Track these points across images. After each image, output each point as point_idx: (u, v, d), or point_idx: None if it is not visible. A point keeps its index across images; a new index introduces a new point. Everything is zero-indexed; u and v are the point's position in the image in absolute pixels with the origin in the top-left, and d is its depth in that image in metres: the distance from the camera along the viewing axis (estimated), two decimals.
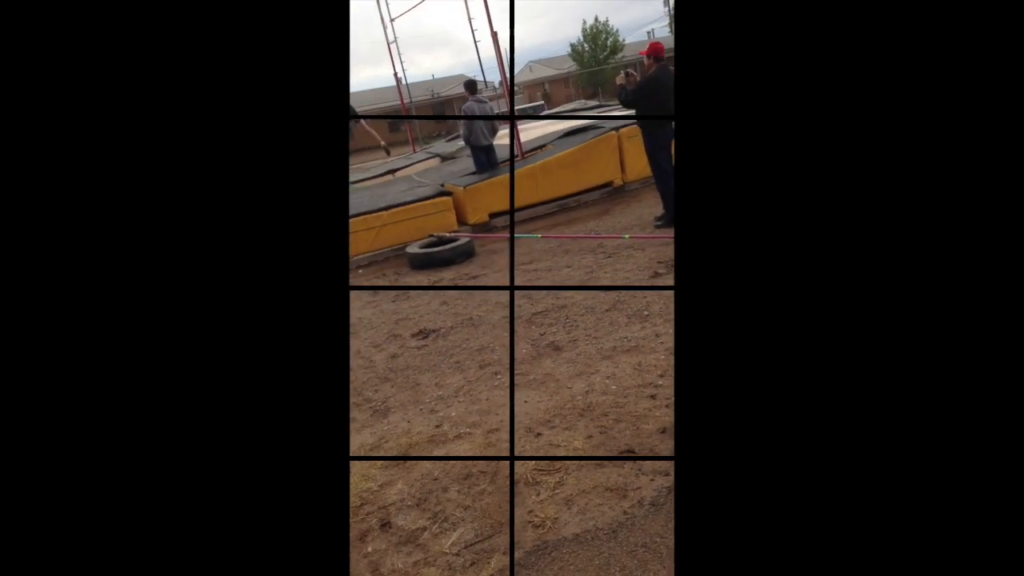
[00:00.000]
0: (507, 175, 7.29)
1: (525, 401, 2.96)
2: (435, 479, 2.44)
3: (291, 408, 1.00)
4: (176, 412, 0.99)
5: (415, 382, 3.42)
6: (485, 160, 7.66)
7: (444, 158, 9.91)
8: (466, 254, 6.06)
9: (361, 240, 6.51)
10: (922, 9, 0.96)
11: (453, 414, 2.96)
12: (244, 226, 0.99)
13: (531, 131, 9.05)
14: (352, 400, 3.34)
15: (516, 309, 4.29)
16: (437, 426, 2.87)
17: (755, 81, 0.99)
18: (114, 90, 0.97)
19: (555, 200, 7.28)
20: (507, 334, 3.89)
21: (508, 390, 3.05)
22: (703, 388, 1.03)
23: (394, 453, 2.70)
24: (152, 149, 0.98)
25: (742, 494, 1.03)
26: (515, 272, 5.30)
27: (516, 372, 3.30)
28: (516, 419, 2.79)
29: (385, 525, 2.23)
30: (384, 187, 8.71)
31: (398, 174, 9.69)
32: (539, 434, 2.65)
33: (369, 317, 4.76)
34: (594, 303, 4.13)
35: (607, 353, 3.33)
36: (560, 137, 8.03)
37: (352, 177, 10.18)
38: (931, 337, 0.99)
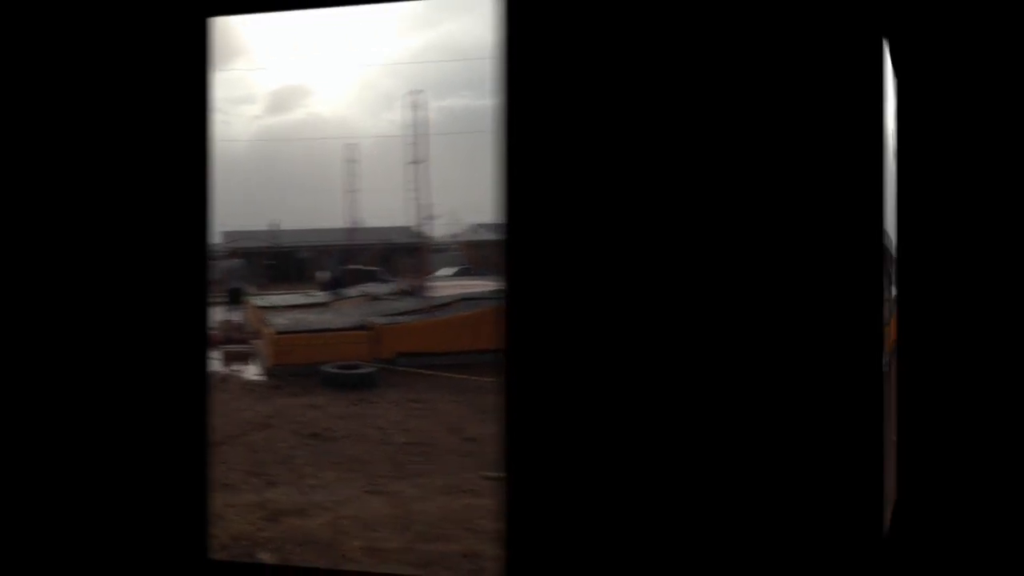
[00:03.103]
0: (418, 322, 8.62)
1: (374, 505, 4.07)
2: (295, 537, 3.51)
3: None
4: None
5: (300, 470, 4.53)
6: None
7: (374, 297, 11.26)
8: (369, 383, 7.17)
9: (299, 353, 7.74)
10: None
11: (318, 498, 4.07)
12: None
13: (447, 288, 10.58)
14: (254, 471, 4.41)
15: (394, 436, 5.45)
16: (304, 503, 3.97)
17: (583, 81, 0.98)
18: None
19: (455, 353, 8.54)
20: (381, 450, 5.05)
21: (365, 491, 4.18)
22: (530, 401, 1.02)
23: (269, 514, 3.77)
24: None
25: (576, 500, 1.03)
26: (401, 401, 6.48)
27: (373, 483, 4.40)
28: (359, 515, 3.88)
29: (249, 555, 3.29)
30: (319, 314, 9.95)
31: (332, 304, 10.96)
32: (375, 529, 3.74)
33: (285, 409, 5.90)
34: (463, 449, 5.24)
35: (451, 488, 4.42)
36: (464, 299, 9.44)
37: (298, 301, 11.35)
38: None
